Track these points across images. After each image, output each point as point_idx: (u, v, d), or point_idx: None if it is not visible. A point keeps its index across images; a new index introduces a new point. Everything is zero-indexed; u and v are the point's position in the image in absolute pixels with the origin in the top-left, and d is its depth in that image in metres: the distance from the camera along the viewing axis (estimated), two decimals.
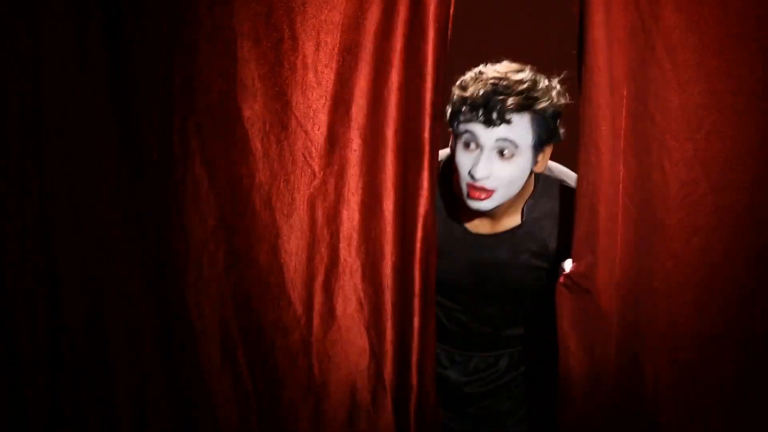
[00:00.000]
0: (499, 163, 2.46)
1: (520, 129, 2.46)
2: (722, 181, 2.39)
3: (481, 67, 2.56)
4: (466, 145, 2.47)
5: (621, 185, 2.40)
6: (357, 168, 2.51)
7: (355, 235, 2.52)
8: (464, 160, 2.48)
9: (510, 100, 2.43)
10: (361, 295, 2.52)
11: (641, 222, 2.42)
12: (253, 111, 2.49)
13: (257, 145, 2.50)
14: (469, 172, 2.46)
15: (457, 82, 2.55)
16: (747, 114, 2.38)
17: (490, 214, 2.59)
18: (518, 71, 2.49)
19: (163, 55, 2.51)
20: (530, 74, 2.50)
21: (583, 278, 2.43)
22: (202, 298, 2.55)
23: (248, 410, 2.55)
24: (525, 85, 2.46)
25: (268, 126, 2.50)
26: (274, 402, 2.54)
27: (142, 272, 2.59)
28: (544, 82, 2.50)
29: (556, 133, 2.51)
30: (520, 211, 2.62)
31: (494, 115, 2.43)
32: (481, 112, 2.43)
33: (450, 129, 2.57)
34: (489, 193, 2.46)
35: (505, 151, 2.43)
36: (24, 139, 2.55)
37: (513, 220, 2.61)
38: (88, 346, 2.62)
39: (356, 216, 2.51)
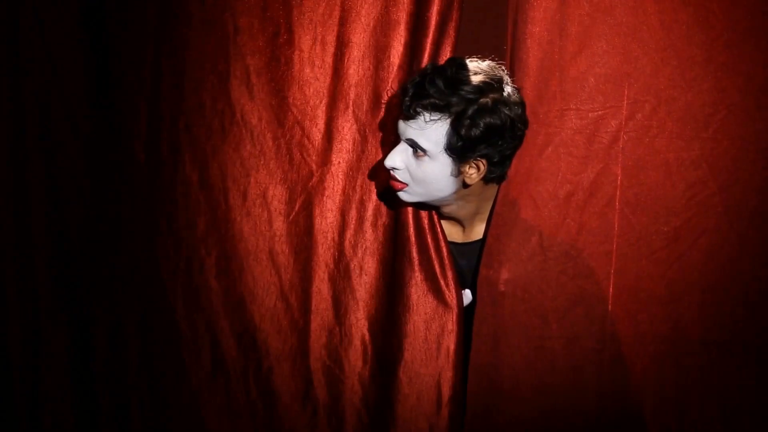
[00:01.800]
0: (413, 160, 2.33)
1: (432, 132, 2.28)
2: (730, 181, 2.34)
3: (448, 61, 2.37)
4: (397, 136, 2.37)
5: (618, 190, 2.36)
6: (357, 166, 2.46)
7: (354, 235, 2.48)
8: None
9: (424, 100, 2.27)
10: (362, 296, 2.48)
11: (642, 227, 2.37)
12: (248, 108, 2.45)
13: (252, 143, 2.46)
14: (387, 159, 2.36)
15: None
16: (755, 111, 2.33)
17: (460, 222, 2.50)
18: (476, 73, 2.29)
19: (150, 50, 2.47)
20: (484, 80, 2.28)
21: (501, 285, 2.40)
22: (192, 306, 2.51)
23: (241, 421, 2.51)
24: (462, 88, 2.27)
25: (263, 123, 2.46)
26: (269, 411, 2.50)
27: (129, 278, 2.55)
28: (496, 94, 2.28)
29: (484, 150, 2.29)
30: None
31: (409, 109, 2.28)
32: (401, 103, 2.30)
33: None
34: (402, 185, 2.35)
35: (418, 150, 2.31)
36: (5, 142, 2.51)
37: (484, 229, 2.50)
38: (70, 356, 2.58)
39: (356, 215, 2.47)
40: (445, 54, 2.39)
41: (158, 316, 2.53)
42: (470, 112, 2.27)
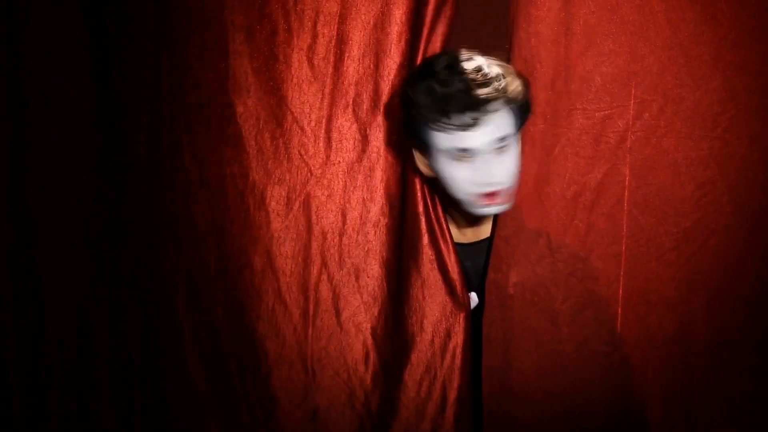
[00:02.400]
0: (499, 159, 2.26)
1: (503, 120, 2.24)
2: (739, 181, 2.32)
3: (441, 61, 2.30)
4: (459, 158, 2.25)
5: (626, 191, 2.34)
6: (357, 166, 2.43)
7: (355, 236, 2.44)
8: (461, 172, 2.26)
9: (486, 89, 2.21)
10: (364, 299, 2.44)
11: (651, 228, 2.35)
12: (246, 107, 2.42)
13: (251, 142, 2.42)
14: (477, 182, 2.26)
15: (409, 84, 2.28)
16: (764, 111, 2.31)
17: (474, 224, 2.47)
18: (471, 58, 2.28)
19: (150, 48, 2.44)
20: (490, 60, 2.29)
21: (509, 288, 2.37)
22: (192, 306, 2.47)
23: (240, 422, 2.48)
24: (485, 64, 2.25)
25: (262, 122, 2.42)
26: (268, 413, 2.46)
27: (130, 278, 2.52)
28: (507, 67, 2.29)
29: (528, 112, 2.31)
30: None
31: (478, 113, 2.20)
32: (461, 116, 2.19)
33: (414, 146, 2.34)
34: (500, 193, 2.28)
35: (503, 147, 2.26)
36: (4, 139, 2.49)
37: (489, 228, 2.47)
38: (72, 356, 2.56)
39: (356, 216, 2.44)
40: (433, 48, 2.36)
41: (161, 315, 2.50)
42: (519, 86, 2.26)
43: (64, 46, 2.48)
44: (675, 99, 2.31)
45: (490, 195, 2.29)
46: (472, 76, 2.23)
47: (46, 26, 2.47)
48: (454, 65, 2.26)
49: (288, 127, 2.42)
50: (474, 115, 2.22)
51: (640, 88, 2.31)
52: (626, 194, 2.34)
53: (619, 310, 2.37)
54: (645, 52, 2.31)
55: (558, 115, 2.33)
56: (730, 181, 2.32)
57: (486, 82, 2.23)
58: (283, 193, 2.43)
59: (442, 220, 2.41)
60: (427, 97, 2.23)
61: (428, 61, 2.31)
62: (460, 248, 2.45)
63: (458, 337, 2.38)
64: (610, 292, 2.36)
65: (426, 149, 2.30)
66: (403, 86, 2.32)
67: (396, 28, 2.38)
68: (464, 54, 2.29)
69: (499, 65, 2.27)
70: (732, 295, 2.36)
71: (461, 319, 2.38)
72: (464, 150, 2.25)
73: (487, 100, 2.21)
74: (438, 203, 2.41)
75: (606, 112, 2.32)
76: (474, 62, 2.26)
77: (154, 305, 2.51)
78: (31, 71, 2.48)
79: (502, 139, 2.25)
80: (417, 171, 2.37)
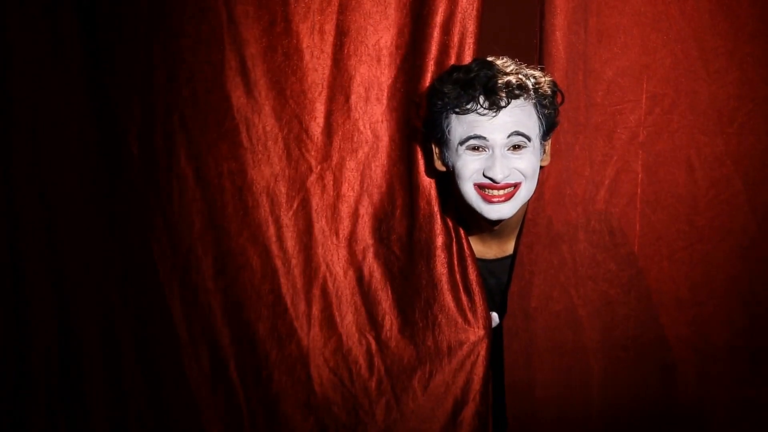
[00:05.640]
0: (513, 157, 2.22)
1: (526, 117, 2.22)
2: (756, 179, 2.29)
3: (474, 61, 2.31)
4: (474, 149, 2.22)
5: (639, 188, 2.30)
6: (357, 162, 2.38)
7: (358, 237, 2.39)
8: (471, 164, 2.22)
9: (512, 78, 2.19)
10: (367, 301, 2.39)
11: (663, 226, 2.31)
12: (243, 101, 2.37)
13: (247, 138, 2.37)
14: (484, 174, 2.22)
15: (433, 84, 2.28)
16: None
17: (498, 236, 2.41)
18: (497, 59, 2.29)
19: (143, 39, 2.39)
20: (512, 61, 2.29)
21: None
22: (189, 308, 2.42)
23: (241, 429, 2.42)
24: (517, 66, 2.24)
25: (259, 117, 2.37)
26: (270, 420, 2.41)
27: (122, 278, 2.48)
28: (540, 69, 2.28)
29: (555, 121, 2.28)
30: None
31: (501, 95, 2.17)
32: (482, 98, 2.17)
33: (434, 140, 2.30)
34: (510, 193, 2.23)
35: (520, 144, 2.21)
36: None
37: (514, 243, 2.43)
38: (59, 360, 2.51)
39: (359, 215, 2.39)
40: (458, 41, 2.30)
41: (155, 318, 2.45)
42: (544, 83, 2.22)
43: (53, 39, 2.44)
44: (689, 93, 2.28)
45: (492, 193, 2.24)
46: (499, 66, 2.23)
47: (35, 17, 2.44)
48: (485, 61, 2.24)
49: (287, 122, 2.37)
50: (495, 99, 2.19)
51: (652, 82, 2.28)
52: (638, 192, 2.31)
53: (632, 312, 2.33)
54: (657, 44, 2.27)
55: (579, 112, 2.29)
56: (747, 179, 2.29)
57: (512, 72, 2.21)
58: (282, 191, 2.38)
59: (456, 222, 2.36)
60: (453, 82, 2.22)
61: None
62: (484, 264, 2.41)
63: (479, 347, 2.34)
64: (624, 293, 2.33)
65: (443, 141, 2.26)
66: (432, 82, 2.29)
67: (397, 19, 2.33)
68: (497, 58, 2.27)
69: (530, 66, 2.25)
70: (750, 298, 2.32)
71: (480, 326, 2.34)
72: (480, 137, 2.21)
73: (510, 86, 2.19)
74: (451, 204, 2.36)
75: (617, 107, 2.29)
76: (505, 59, 2.25)
77: (147, 307, 2.46)
78: (22, 66, 2.45)
79: (520, 134, 2.21)
80: (432, 171, 2.32)
